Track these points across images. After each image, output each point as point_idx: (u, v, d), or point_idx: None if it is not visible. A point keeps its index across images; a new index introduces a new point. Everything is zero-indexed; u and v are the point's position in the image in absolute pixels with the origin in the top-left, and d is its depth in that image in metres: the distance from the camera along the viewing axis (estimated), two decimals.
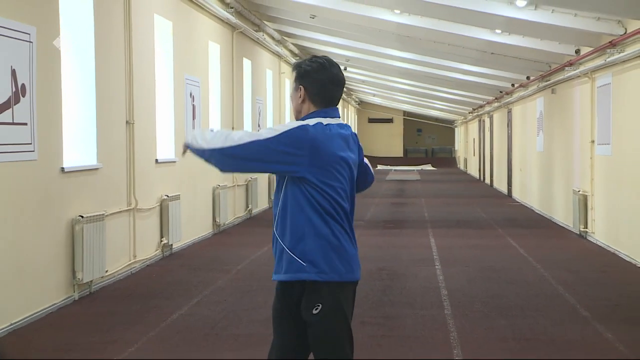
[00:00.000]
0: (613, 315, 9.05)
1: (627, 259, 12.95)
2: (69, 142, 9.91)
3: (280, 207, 4.44)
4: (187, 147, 4.52)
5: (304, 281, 4.39)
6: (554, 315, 9.08)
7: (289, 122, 4.67)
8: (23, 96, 8.45)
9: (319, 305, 4.34)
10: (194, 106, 15.16)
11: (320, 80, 4.58)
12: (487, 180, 34.77)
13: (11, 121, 8.25)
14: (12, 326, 8.19)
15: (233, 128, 18.42)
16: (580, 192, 16.05)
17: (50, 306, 9.08)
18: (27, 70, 8.53)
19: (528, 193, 23.88)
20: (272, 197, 4.51)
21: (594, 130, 15.34)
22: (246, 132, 4.43)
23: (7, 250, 8.24)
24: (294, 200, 4.38)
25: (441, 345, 7.69)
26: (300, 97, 4.59)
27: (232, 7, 17.44)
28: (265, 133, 4.36)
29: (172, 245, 13.48)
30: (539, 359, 7.35)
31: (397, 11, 17.16)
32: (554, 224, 18.63)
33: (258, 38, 20.68)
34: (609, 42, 13.57)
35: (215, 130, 4.46)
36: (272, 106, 23.95)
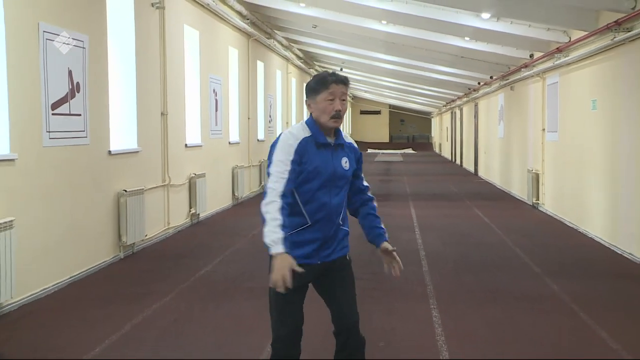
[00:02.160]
0: (559, 271, 9.09)
1: (571, 225, 13.01)
2: (114, 129, 9.95)
3: (342, 201, 4.28)
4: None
5: None
6: (512, 271, 9.12)
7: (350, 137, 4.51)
8: (78, 92, 8.49)
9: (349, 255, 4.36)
10: (216, 100, 15.18)
11: None
12: (458, 161, 34.76)
13: (68, 112, 8.29)
14: (71, 278, 8.30)
15: (249, 118, 18.45)
16: (533, 171, 16.09)
17: (101, 263, 9.17)
18: (81, 71, 8.57)
19: (491, 172, 23.91)
20: (327, 197, 4.16)
21: (545, 121, 15.36)
22: None
23: (67, 218, 8.32)
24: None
25: (419, 297, 7.70)
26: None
27: (248, 19, 17.44)
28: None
29: (199, 214, 13.53)
30: None
31: (384, 22, 17.14)
32: (512, 197, 18.65)
33: (269, 44, 20.66)
34: (557, 48, 13.58)
35: None
36: (280, 101, 23.94)
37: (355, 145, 4.43)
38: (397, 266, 4.30)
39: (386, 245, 4.28)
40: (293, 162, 4.08)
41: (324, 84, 4.18)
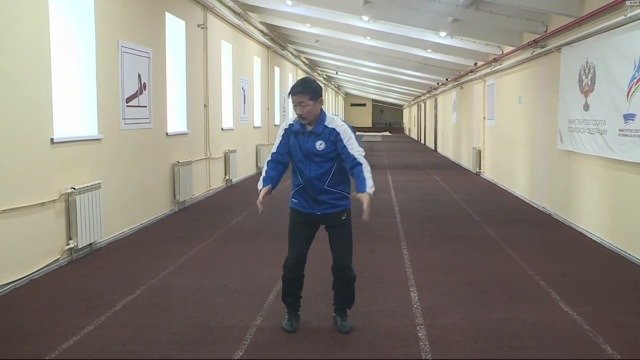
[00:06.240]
0: (493, 219, 9.18)
1: (503, 187, 13.12)
2: (170, 117, 10.00)
3: (324, 172, 4.18)
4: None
5: None
6: (460, 220, 9.18)
7: (342, 119, 4.31)
8: (144, 90, 8.56)
9: (345, 214, 4.30)
10: (244, 96, 15.19)
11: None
12: (422, 141, 34.68)
13: (138, 105, 8.37)
14: (141, 225, 8.42)
15: (268, 109, 18.46)
16: (477, 148, 16.17)
17: (161, 214, 9.28)
18: (147, 74, 8.63)
19: (446, 148, 23.94)
20: (306, 168, 4.20)
21: (485, 111, 15.40)
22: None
23: (138, 181, 8.42)
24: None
25: (393, 239, 7.71)
26: (320, 104, 4.16)
27: (267, 35, 17.40)
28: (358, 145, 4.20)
29: (231, 179, 13.57)
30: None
31: (369, 38, 17.11)
32: (461, 167, 18.68)
33: (283, 54, 20.57)
34: (493, 59, 13.60)
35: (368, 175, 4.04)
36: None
37: (339, 129, 4.14)
38: (365, 212, 3.87)
39: (357, 195, 3.93)
40: (283, 136, 4.28)
41: (289, 94, 4.18)
